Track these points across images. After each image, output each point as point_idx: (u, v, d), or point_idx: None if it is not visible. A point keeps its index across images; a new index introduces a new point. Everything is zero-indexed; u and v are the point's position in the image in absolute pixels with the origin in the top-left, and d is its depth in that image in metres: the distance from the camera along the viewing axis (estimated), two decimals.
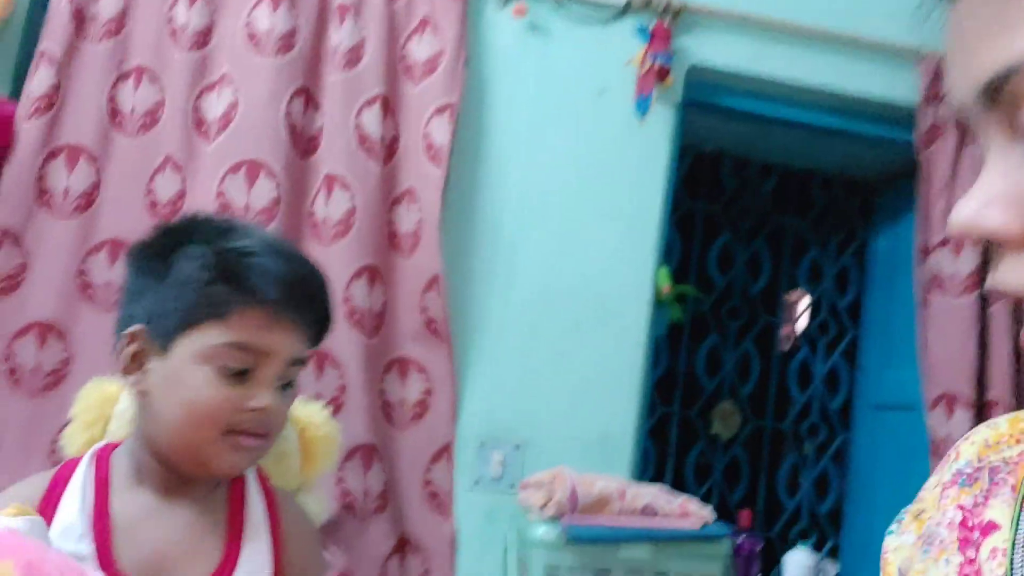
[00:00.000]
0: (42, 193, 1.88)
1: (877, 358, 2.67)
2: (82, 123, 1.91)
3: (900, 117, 2.23)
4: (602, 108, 2.14)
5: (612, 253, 2.10)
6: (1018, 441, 0.54)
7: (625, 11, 2.17)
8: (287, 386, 0.91)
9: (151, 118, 1.95)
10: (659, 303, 2.14)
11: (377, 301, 1.99)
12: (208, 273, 0.87)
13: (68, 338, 1.86)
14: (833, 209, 2.92)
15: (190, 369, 0.85)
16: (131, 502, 0.87)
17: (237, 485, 0.94)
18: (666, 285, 2.11)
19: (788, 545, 2.58)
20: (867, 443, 2.63)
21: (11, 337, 1.84)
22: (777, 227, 2.93)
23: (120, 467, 0.89)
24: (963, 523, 0.52)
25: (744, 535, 2.05)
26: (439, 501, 1.96)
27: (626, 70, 2.13)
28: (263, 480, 0.97)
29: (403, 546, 1.94)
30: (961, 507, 0.53)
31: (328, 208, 1.96)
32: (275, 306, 0.87)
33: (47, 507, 0.85)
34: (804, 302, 2.98)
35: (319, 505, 1.15)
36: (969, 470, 0.55)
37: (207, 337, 0.85)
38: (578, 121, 2.13)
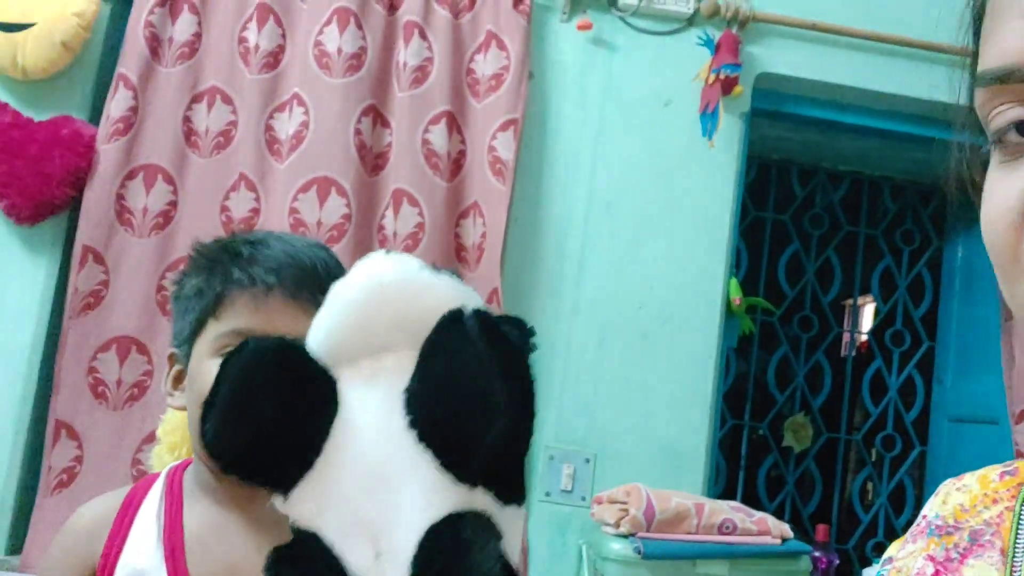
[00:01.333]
0: (122, 212, 1.93)
1: (954, 369, 2.59)
2: (159, 144, 1.96)
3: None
4: (668, 120, 2.12)
5: (681, 264, 2.08)
6: (994, 501, 0.52)
7: (691, 22, 2.15)
8: None
9: (225, 138, 2.00)
10: (729, 314, 2.11)
11: None
12: (201, 276, 0.89)
13: (149, 352, 1.91)
14: (906, 217, 2.85)
15: (201, 368, 0.87)
16: (202, 516, 0.88)
17: None
18: (736, 297, 2.08)
19: (863, 559, 2.51)
20: (945, 456, 2.55)
21: (95, 352, 1.89)
22: (848, 236, 2.87)
23: (190, 484, 0.91)
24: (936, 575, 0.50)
25: (821, 550, 2.00)
26: None
27: (692, 84, 2.11)
28: None
29: None
30: (932, 558, 0.51)
31: (397, 223, 1.98)
32: (263, 287, 0.86)
33: (122, 522, 0.88)
34: (869, 310, 2.91)
35: None
36: (940, 523, 0.53)
37: (209, 334, 0.87)
38: (644, 133, 2.12)
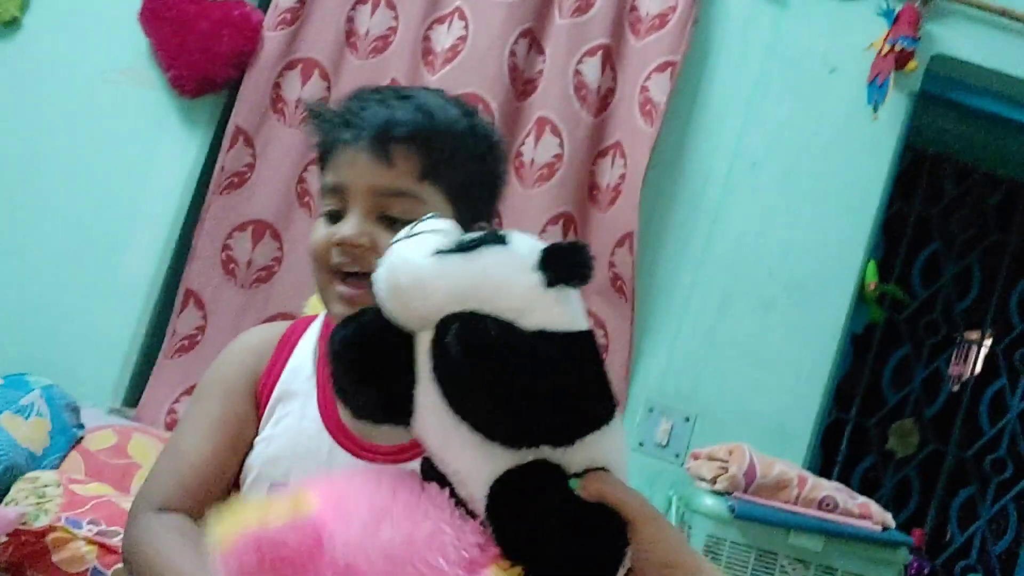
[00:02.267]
0: (276, 100, 1.99)
1: None
2: (321, 40, 2.00)
3: None
4: (831, 87, 2.04)
5: (820, 236, 2.00)
6: None
7: None
8: (395, 222, 0.85)
9: (383, 42, 2.02)
10: (861, 299, 2.03)
11: None
12: (318, 131, 0.92)
13: (282, 239, 1.97)
14: None
15: (316, 224, 0.91)
16: None
17: None
18: (872, 281, 2.00)
19: None
20: None
21: (231, 230, 1.96)
22: (994, 244, 2.71)
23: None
24: None
25: (915, 555, 1.93)
26: None
27: (863, 53, 2.02)
28: None
29: None
30: None
31: (536, 151, 1.97)
32: (346, 141, 0.87)
33: (282, 350, 0.92)
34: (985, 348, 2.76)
35: None
36: None
37: (323, 184, 0.91)
38: (803, 97, 2.04)
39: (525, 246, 0.65)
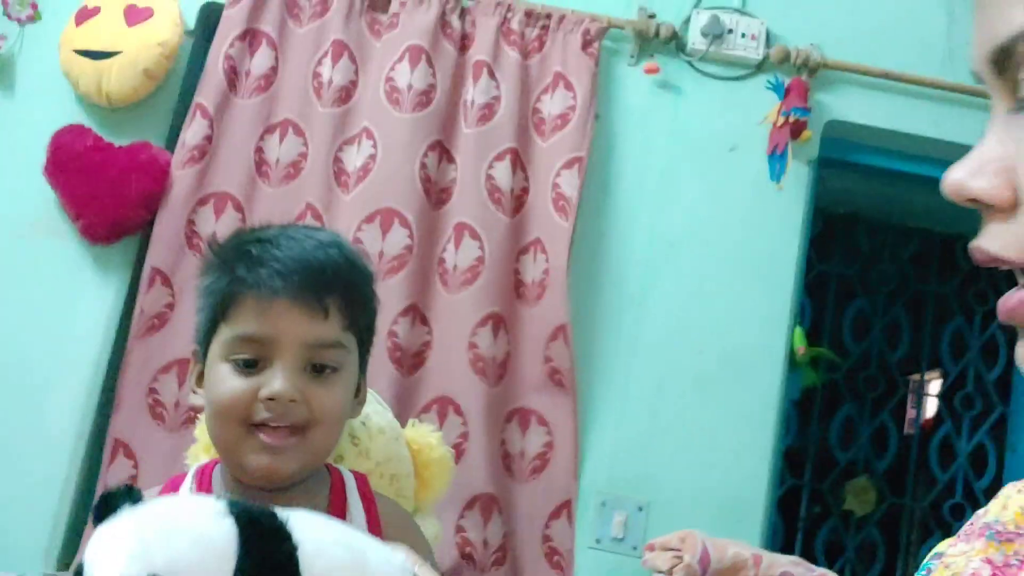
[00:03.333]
0: (192, 237, 1.98)
1: None
2: (231, 173, 2.01)
3: None
4: (734, 165, 2.11)
5: (744, 310, 2.03)
6: None
7: (760, 68, 2.14)
8: (321, 371, 0.86)
9: (294, 169, 2.04)
10: (793, 365, 2.06)
11: (501, 350, 1.98)
12: (213, 275, 0.89)
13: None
14: (979, 276, 2.76)
15: (214, 369, 0.87)
16: None
17: (336, 487, 0.93)
18: (801, 346, 2.03)
19: None
20: None
21: (155, 373, 1.92)
22: (917, 294, 2.79)
23: (219, 480, 0.91)
24: None
25: None
26: (558, 559, 1.90)
27: (760, 128, 2.10)
28: (361, 480, 0.95)
29: None
30: (989, 561, 0.50)
31: (458, 256, 1.99)
32: (268, 290, 0.84)
33: None
34: (935, 386, 2.80)
35: (433, 529, 1.13)
36: (1000, 528, 0.52)
37: (221, 335, 0.87)
38: (709, 177, 2.10)
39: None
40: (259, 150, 2.04)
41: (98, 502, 0.60)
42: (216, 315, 0.88)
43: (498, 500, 1.91)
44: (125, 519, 0.59)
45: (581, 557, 1.92)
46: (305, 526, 0.62)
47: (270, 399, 0.83)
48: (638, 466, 1.98)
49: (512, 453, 1.97)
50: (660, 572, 1.61)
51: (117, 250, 1.99)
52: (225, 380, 0.85)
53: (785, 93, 2.07)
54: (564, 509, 1.93)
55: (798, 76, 2.09)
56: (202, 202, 2.00)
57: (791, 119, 2.03)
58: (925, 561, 0.57)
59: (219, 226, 1.99)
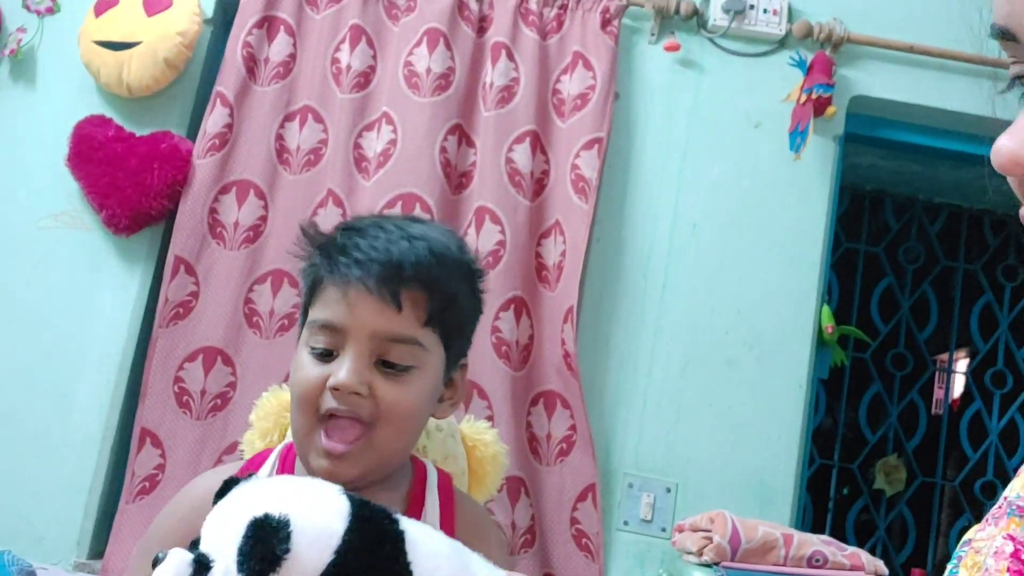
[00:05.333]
0: (214, 225, 1.98)
1: None
2: (252, 160, 2.01)
3: None
4: (758, 142, 2.08)
5: (770, 289, 2.01)
6: None
7: (783, 44, 2.11)
8: (393, 367, 0.85)
9: (315, 155, 2.03)
10: (821, 344, 2.03)
11: (524, 333, 1.97)
12: (310, 259, 0.90)
13: (234, 364, 1.94)
14: (1007, 252, 2.72)
15: (298, 356, 0.88)
16: None
17: (418, 483, 0.93)
18: (829, 324, 2.00)
19: None
20: None
21: (181, 361, 1.93)
22: (945, 271, 2.75)
23: (300, 467, 0.90)
24: (1015, 555, 0.48)
25: None
26: (586, 541, 1.90)
27: (784, 105, 2.07)
28: (443, 478, 0.95)
29: None
30: (1011, 537, 0.49)
31: (479, 241, 1.98)
32: (345, 279, 0.84)
33: None
34: (962, 365, 2.76)
35: None
36: (1021, 503, 0.51)
37: (307, 320, 0.88)
38: (732, 155, 2.08)
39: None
40: (279, 137, 2.04)
41: (220, 487, 0.66)
42: (306, 301, 0.90)
43: (525, 483, 1.90)
44: (247, 487, 0.66)
45: (610, 539, 1.92)
46: (414, 523, 0.67)
47: (335, 388, 0.83)
48: (665, 448, 1.97)
49: (539, 436, 1.96)
50: (690, 552, 1.60)
51: (140, 240, 2.00)
52: (302, 367, 0.86)
53: (808, 69, 2.03)
54: (589, 492, 1.92)
55: (822, 51, 2.06)
56: (224, 190, 2.00)
57: (814, 95, 2.00)
58: (956, 550, 0.56)
59: (241, 214, 1.99)
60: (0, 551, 1.44)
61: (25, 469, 1.91)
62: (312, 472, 0.86)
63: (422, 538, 0.66)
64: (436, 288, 0.86)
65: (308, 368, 0.85)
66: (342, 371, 0.83)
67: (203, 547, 0.62)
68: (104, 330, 1.97)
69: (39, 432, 1.93)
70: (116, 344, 1.97)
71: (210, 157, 1.99)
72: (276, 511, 0.61)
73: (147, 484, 1.90)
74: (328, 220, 1.99)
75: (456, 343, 0.91)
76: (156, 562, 0.63)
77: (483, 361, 1.93)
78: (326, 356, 0.85)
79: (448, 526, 0.90)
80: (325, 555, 0.60)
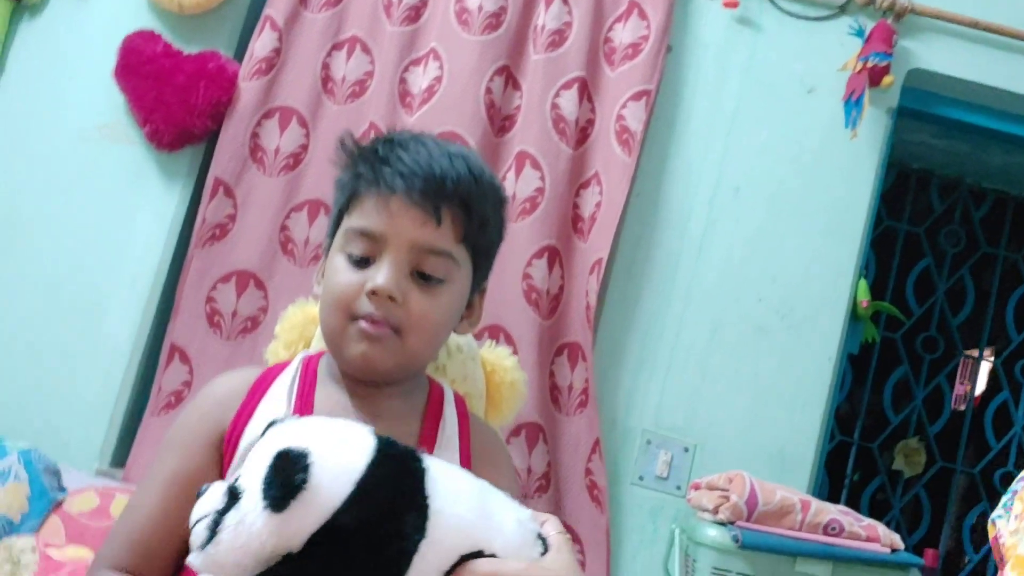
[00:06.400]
0: (255, 149, 1.98)
1: None
2: (297, 87, 2.00)
3: None
4: (810, 108, 2.04)
5: (808, 259, 1.98)
6: None
7: (844, 10, 2.06)
8: (427, 279, 0.86)
9: (360, 87, 2.02)
10: (854, 319, 2.01)
11: (555, 284, 1.97)
12: (348, 167, 0.91)
13: (266, 288, 1.95)
14: None
15: (333, 260, 0.89)
16: (331, 399, 0.90)
17: (435, 398, 0.94)
18: (864, 299, 1.98)
19: None
20: None
21: (215, 282, 1.94)
22: (985, 257, 2.70)
23: (324, 370, 0.92)
24: None
25: None
26: (597, 493, 1.91)
27: (839, 73, 2.02)
28: (459, 400, 0.96)
29: None
30: None
31: (518, 186, 1.96)
32: (392, 190, 0.85)
33: (254, 395, 0.89)
34: (985, 367, 2.72)
35: None
36: None
37: (343, 228, 0.89)
38: (782, 120, 2.04)
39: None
40: (325, 66, 2.02)
41: (264, 428, 0.71)
42: (342, 209, 0.91)
43: (544, 430, 1.91)
44: (283, 426, 0.70)
45: (623, 492, 1.92)
46: (438, 462, 0.70)
47: (372, 293, 0.84)
48: (687, 408, 1.96)
49: (560, 386, 1.96)
50: (705, 510, 1.60)
51: (182, 158, 2.00)
52: (339, 272, 0.87)
53: (867, 38, 1.98)
54: (598, 446, 1.92)
55: (883, 20, 2.00)
56: (267, 115, 1.99)
57: (870, 64, 1.95)
58: (1012, 486, 0.56)
59: (283, 141, 1.99)
60: (27, 448, 1.47)
61: (54, 376, 1.94)
62: (348, 361, 0.88)
63: (444, 476, 0.68)
64: (474, 207, 0.88)
65: (345, 273, 0.87)
66: (380, 276, 0.84)
67: (239, 482, 0.66)
68: (140, 245, 1.99)
69: (70, 341, 1.95)
70: (151, 260, 1.98)
71: (256, 80, 1.98)
72: (297, 445, 0.65)
73: (173, 399, 1.93)
74: None
75: (483, 265, 0.93)
76: (199, 495, 0.69)
77: (512, 307, 1.92)
78: (363, 263, 0.86)
79: (464, 444, 0.91)
80: (345, 487, 0.63)
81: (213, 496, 0.66)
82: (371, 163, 0.88)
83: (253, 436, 0.85)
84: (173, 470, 0.86)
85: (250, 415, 0.87)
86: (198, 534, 0.65)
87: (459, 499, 0.68)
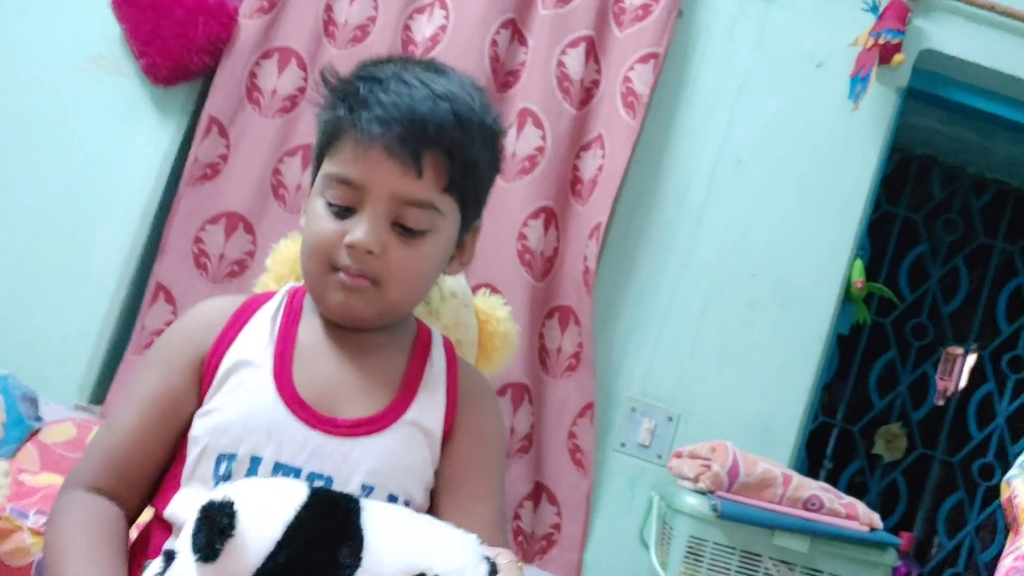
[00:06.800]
0: (252, 89, 1.94)
1: None
2: (298, 28, 1.96)
3: None
4: (819, 83, 2.01)
5: (805, 236, 1.97)
6: None
7: None
8: (409, 232, 0.83)
9: (362, 32, 1.98)
10: (847, 299, 2.00)
11: (549, 246, 1.94)
12: (324, 106, 0.87)
13: (255, 232, 1.92)
14: None
15: (312, 202, 0.86)
16: (315, 331, 0.88)
17: (422, 338, 0.92)
18: (859, 279, 1.96)
19: None
20: None
21: (203, 223, 1.91)
22: (981, 248, 2.69)
23: (309, 304, 0.90)
24: None
25: (903, 560, 1.89)
26: (580, 456, 1.90)
27: (850, 49, 1.99)
28: (448, 343, 0.94)
29: (539, 493, 1.89)
30: None
31: (518, 144, 1.93)
32: (366, 136, 0.81)
33: (237, 319, 0.87)
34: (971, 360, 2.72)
35: None
36: None
37: (324, 169, 0.86)
38: (790, 93, 2.01)
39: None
40: (328, 8, 1.98)
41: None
42: (322, 148, 0.87)
43: (530, 391, 1.89)
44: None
45: (604, 458, 1.92)
46: (377, 503, 0.70)
47: (350, 247, 0.82)
48: (673, 378, 1.95)
49: (549, 349, 1.94)
50: (686, 478, 1.59)
51: (177, 94, 1.96)
52: (318, 219, 0.84)
53: (881, 14, 1.95)
54: (588, 410, 1.91)
55: None
56: (266, 55, 1.95)
57: (881, 40, 1.92)
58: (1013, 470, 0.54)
59: (280, 82, 1.95)
60: (5, 375, 1.44)
61: (36, 308, 1.91)
62: (327, 309, 0.86)
63: (382, 510, 0.68)
64: (458, 154, 0.84)
65: (325, 221, 0.84)
66: (359, 230, 0.82)
67: (175, 544, 0.67)
68: (130, 180, 1.95)
69: (54, 273, 1.92)
70: (140, 196, 1.95)
71: (257, 19, 1.93)
72: (223, 497, 0.65)
73: (155, 338, 1.90)
74: None
75: (472, 208, 0.90)
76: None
77: (505, 266, 1.90)
78: (343, 213, 0.83)
79: (451, 385, 0.89)
80: (275, 529, 0.64)
81: (154, 565, 0.67)
82: (350, 105, 0.83)
83: (233, 361, 0.84)
84: (153, 389, 0.84)
85: (231, 340, 0.85)
86: None
87: (397, 528, 0.67)
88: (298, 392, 0.83)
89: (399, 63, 0.88)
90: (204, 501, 0.65)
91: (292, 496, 0.67)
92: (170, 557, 0.65)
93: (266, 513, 0.64)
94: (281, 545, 0.63)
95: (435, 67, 0.89)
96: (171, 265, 1.90)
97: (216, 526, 0.63)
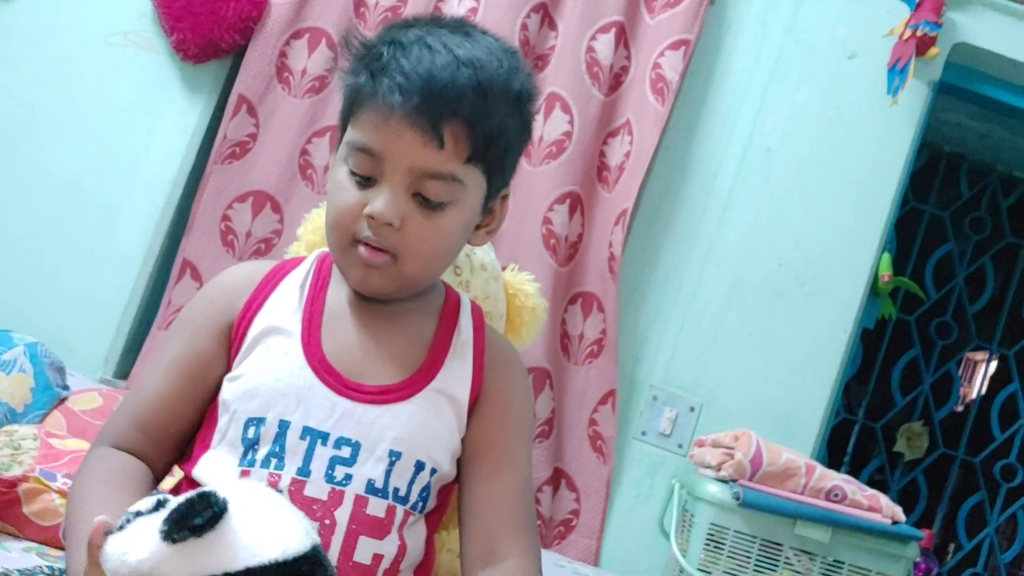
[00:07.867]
0: (282, 69, 1.94)
1: None
2: (329, 9, 1.95)
3: None
4: (850, 74, 1.99)
5: (833, 227, 1.95)
6: None
7: None
8: (429, 204, 0.81)
9: (393, 13, 1.97)
10: (873, 293, 1.98)
11: (574, 231, 1.94)
12: (352, 71, 0.84)
13: (283, 211, 1.92)
14: None
15: (336, 169, 0.84)
16: (343, 298, 0.88)
17: (451, 304, 0.92)
18: (886, 273, 1.95)
19: None
20: None
21: (231, 201, 1.92)
22: (1008, 247, 2.66)
23: (337, 271, 0.89)
24: None
25: (923, 557, 1.87)
26: (600, 443, 1.89)
27: (883, 40, 1.97)
28: (476, 309, 0.93)
29: (558, 478, 1.89)
30: None
31: (545, 128, 1.93)
32: (386, 105, 0.79)
33: (266, 285, 0.87)
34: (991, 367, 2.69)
35: None
36: None
37: (347, 136, 0.84)
38: (821, 83, 1.99)
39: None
40: None
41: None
42: (346, 114, 0.85)
43: (551, 377, 1.89)
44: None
45: (625, 446, 1.91)
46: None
47: (370, 217, 0.81)
48: (696, 367, 1.94)
49: (571, 335, 1.94)
50: (708, 467, 1.59)
51: (207, 72, 1.96)
52: (341, 189, 0.83)
53: (917, 6, 1.93)
54: (610, 397, 1.91)
55: None
56: (296, 35, 1.95)
57: (919, 32, 1.90)
58: None
59: (310, 62, 1.95)
60: (32, 342, 1.45)
61: (65, 281, 1.93)
62: (349, 281, 0.86)
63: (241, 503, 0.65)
64: (480, 123, 0.81)
65: (347, 192, 0.82)
66: (379, 201, 0.80)
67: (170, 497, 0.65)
68: (159, 157, 1.96)
69: (82, 247, 1.94)
70: (169, 172, 1.96)
71: None
72: (225, 497, 0.62)
73: None
74: None
75: (499, 176, 0.87)
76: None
77: (530, 251, 1.90)
78: (365, 182, 0.82)
79: (479, 352, 0.89)
80: (252, 557, 0.61)
81: (148, 500, 0.64)
82: (372, 71, 0.81)
83: (262, 327, 0.84)
84: (181, 351, 0.84)
85: (260, 305, 0.85)
86: (118, 523, 0.63)
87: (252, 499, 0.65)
88: (327, 358, 0.83)
89: (426, 26, 0.85)
90: (214, 488, 0.62)
91: (293, 540, 0.63)
92: (160, 507, 0.63)
93: (256, 536, 0.61)
94: (248, 573, 0.60)
95: (464, 30, 0.86)
96: (198, 242, 1.91)
97: (191, 516, 0.60)
